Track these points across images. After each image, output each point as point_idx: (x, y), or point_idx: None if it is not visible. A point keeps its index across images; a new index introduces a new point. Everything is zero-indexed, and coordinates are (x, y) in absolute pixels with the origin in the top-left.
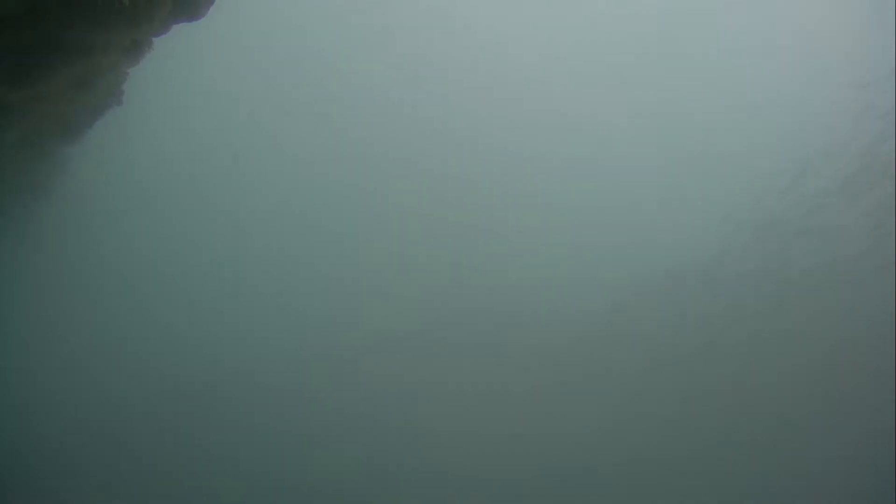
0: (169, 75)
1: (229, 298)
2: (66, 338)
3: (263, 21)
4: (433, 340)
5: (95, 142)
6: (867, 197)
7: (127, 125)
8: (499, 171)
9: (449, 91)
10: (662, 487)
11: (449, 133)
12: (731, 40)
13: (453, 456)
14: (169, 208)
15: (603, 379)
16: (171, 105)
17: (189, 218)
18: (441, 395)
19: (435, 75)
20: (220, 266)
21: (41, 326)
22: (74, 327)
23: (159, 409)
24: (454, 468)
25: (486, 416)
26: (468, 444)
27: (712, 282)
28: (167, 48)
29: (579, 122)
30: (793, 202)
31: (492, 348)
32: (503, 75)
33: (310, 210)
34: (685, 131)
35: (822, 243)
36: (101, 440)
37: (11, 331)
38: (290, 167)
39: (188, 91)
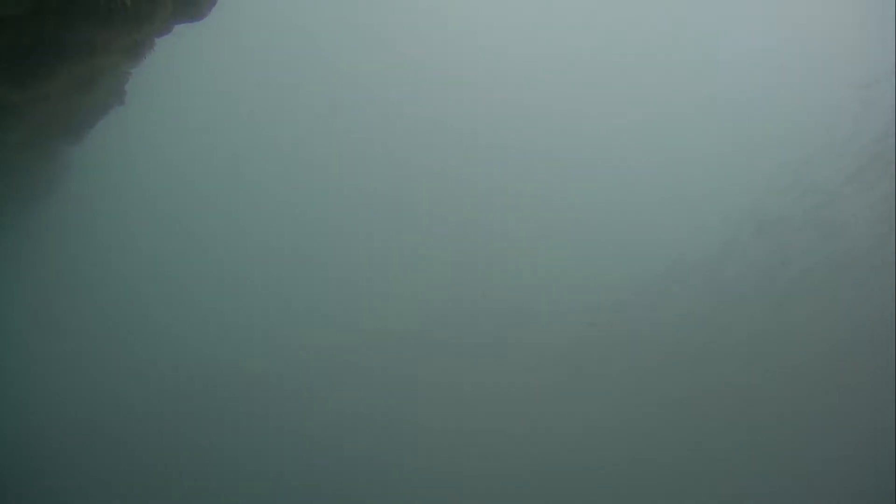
0: (171, 75)
1: (230, 298)
2: (67, 337)
3: (265, 21)
4: (434, 340)
5: (98, 142)
6: (868, 195)
7: (129, 125)
8: (499, 171)
9: (450, 91)
10: (663, 487)
11: (450, 133)
12: (731, 40)
13: (454, 455)
14: (170, 208)
15: (603, 378)
16: (173, 105)
17: (190, 218)
18: (441, 394)
19: (436, 75)
20: (222, 266)
21: (42, 326)
22: (76, 327)
23: (160, 408)
24: (454, 468)
25: (487, 415)
26: (469, 443)
27: (713, 280)
28: (169, 48)
29: (581, 121)
30: (793, 201)
31: (493, 347)
32: (504, 75)
33: (311, 210)
34: (686, 130)
35: (823, 242)
36: (101, 440)
37: (13, 330)
38: (291, 167)
39: (190, 91)
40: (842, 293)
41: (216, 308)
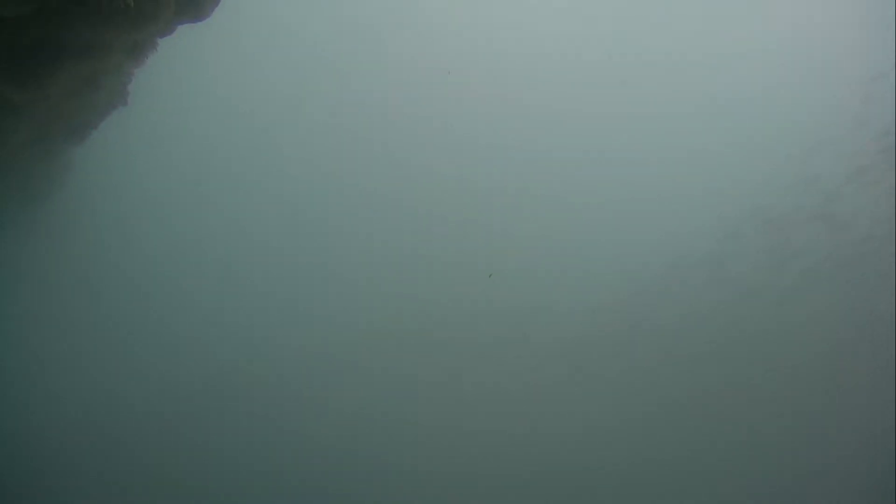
0: (174, 76)
1: (231, 299)
2: (68, 337)
3: (267, 21)
4: (434, 340)
5: (101, 142)
6: (869, 193)
7: (132, 125)
8: (499, 170)
9: (452, 91)
10: (663, 487)
11: (450, 133)
12: (731, 39)
13: (454, 455)
14: (173, 208)
15: (604, 377)
16: (175, 105)
17: (193, 218)
18: (441, 394)
19: (438, 75)
20: (223, 266)
21: (44, 326)
22: (77, 327)
23: (160, 408)
24: (454, 468)
25: (487, 415)
26: (469, 443)
27: (714, 279)
28: (172, 49)
29: (581, 119)
30: (794, 199)
31: (493, 347)
32: (504, 75)
33: (313, 210)
34: (688, 128)
35: (824, 241)
36: (101, 440)
37: (15, 330)
38: (294, 166)
39: (193, 91)
40: (843, 291)
41: (217, 308)
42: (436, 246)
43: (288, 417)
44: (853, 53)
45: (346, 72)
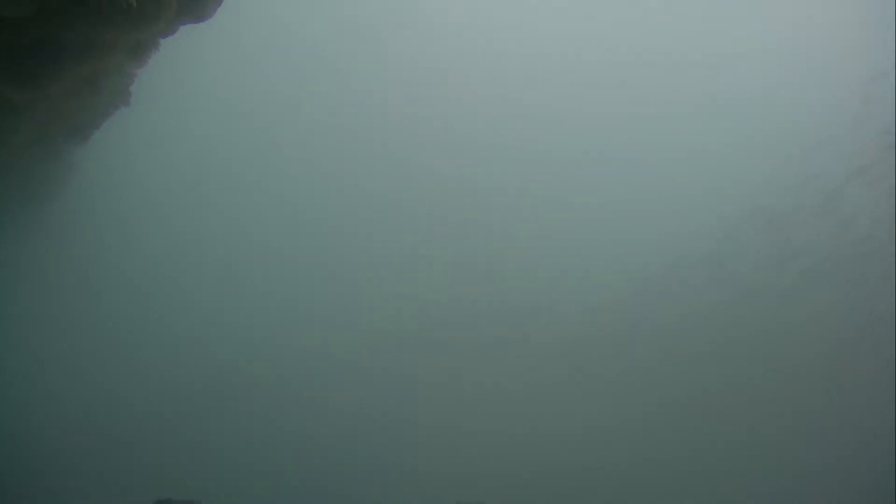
0: (176, 76)
1: (232, 299)
2: (69, 338)
3: (269, 21)
4: (433, 340)
5: (103, 142)
6: (870, 193)
7: (134, 126)
8: (500, 170)
9: (453, 91)
10: (663, 487)
11: (451, 133)
12: (730, 38)
13: (454, 455)
14: (174, 208)
15: (604, 377)
16: (177, 106)
17: (194, 218)
18: (441, 394)
19: (438, 76)
20: (225, 266)
21: (46, 326)
22: (78, 327)
23: (160, 408)
24: (454, 468)
25: (487, 415)
26: (469, 443)
27: (714, 279)
28: (174, 49)
29: (582, 117)
30: (795, 198)
31: (493, 347)
32: (504, 75)
33: (314, 211)
34: (688, 128)
35: (825, 240)
36: (101, 440)
37: (16, 330)
38: (295, 167)
39: (195, 92)
40: (843, 291)
41: (218, 308)
42: (436, 246)
43: (288, 417)
44: (853, 53)
45: (346, 72)
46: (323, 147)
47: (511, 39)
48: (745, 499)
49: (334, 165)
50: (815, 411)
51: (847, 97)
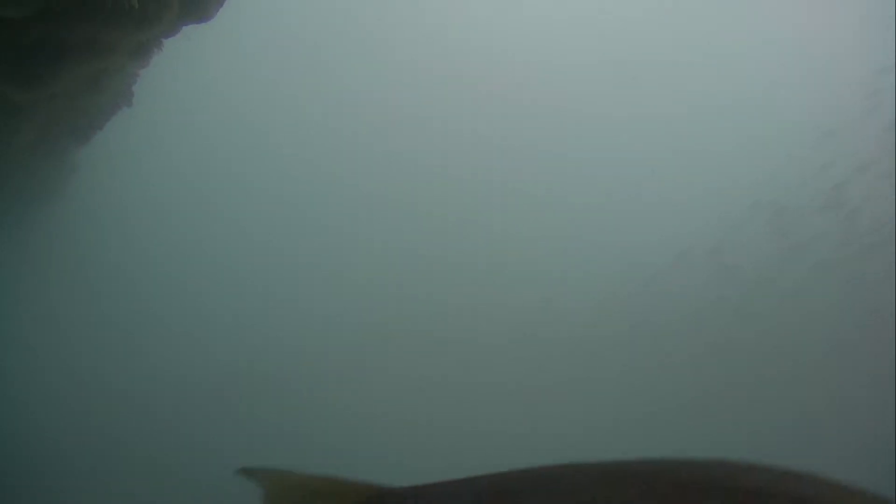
0: (179, 77)
1: (233, 299)
2: (70, 338)
3: (273, 22)
4: (433, 339)
5: (105, 143)
6: (876, 188)
7: (137, 126)
8: (500, 169)
9: (454, 90)
10: None
11: (451, 133)
12: (731, 38)
13: (454, 455)
14: (177, 209)
15: (604, 377)
16: (181, 106)
17: (197, 218)
18: (441, 393)
19: (440, 75)
20: (226, 266)
21: (47, 327)
22: (80, 328)
23: (161, 408)
24: (454, 468)
25: (487, 414)
26: (469, 443)
27: (715, 277)
28: (176, 50)
29: (584, 114)
30: (796, 197)
31: (494, 346)
32: (504, 75)
33: (316, 211)
34: (692, 123)
35: (829, 235)
36: (101, 440)
37: (16, 330)
38: (298, 167)
39: (198, 92)
40: (849, 286)
41: (219, 309)
42: (436, 246)
43: (288, 417)
44: (857, 47)
45: (349, 72)
46: (325, 147)
47: (511, 39)
48: None
49: (336, 165)
50: (815, 411)
51: (852, 92)
